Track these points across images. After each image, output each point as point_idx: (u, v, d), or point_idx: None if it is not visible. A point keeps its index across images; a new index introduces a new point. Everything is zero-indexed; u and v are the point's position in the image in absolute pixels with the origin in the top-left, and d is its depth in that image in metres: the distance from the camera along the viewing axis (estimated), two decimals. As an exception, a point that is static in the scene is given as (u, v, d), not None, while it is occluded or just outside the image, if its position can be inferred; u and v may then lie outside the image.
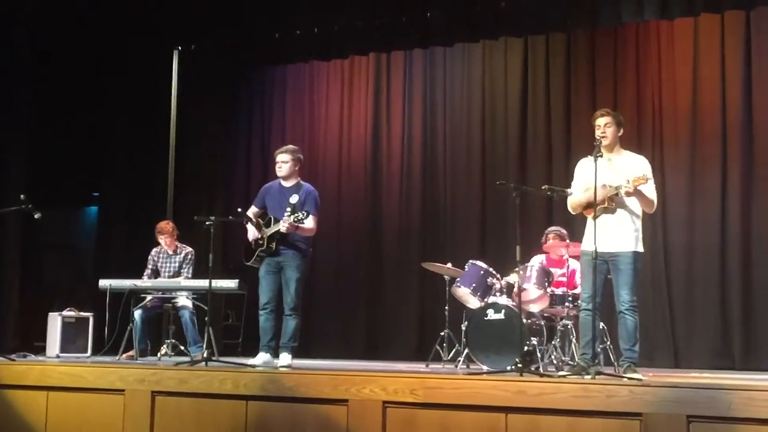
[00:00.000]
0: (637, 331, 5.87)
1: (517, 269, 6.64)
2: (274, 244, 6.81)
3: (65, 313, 8.66)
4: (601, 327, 6.77)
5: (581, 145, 8.28)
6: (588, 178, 5.86)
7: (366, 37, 9.98)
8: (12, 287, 9.78)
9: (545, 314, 7.28)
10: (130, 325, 8.06)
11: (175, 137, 10.30)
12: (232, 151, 11.21)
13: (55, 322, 8.58)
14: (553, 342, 7.14)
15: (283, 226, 6.67)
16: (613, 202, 5.85)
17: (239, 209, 7.07)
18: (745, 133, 8.70)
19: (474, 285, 7.30)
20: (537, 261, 7.47)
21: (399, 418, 5.22)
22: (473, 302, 7.34)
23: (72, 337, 8.59)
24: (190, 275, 8.36)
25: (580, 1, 8.84)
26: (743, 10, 8.67)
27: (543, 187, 6.33)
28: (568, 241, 7.31)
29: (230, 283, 7.92)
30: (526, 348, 6.50)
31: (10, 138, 9.85)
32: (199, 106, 10.89)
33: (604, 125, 5.95)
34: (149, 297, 8.24)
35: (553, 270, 7.28)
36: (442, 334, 7.90)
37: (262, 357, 6.77)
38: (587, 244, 5.98)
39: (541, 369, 6.47)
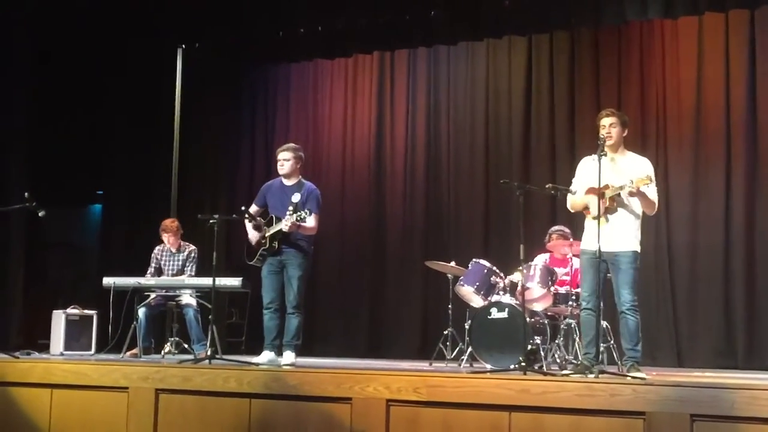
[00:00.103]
0: (639, 331, 5.86)
1: (520, 268, 6.62)
2: (276, 243, 6.81)
3: (69, 311, 8.67)
4: (604, 326, 6.76)
5: (585, 144, 8.27)
6: (590, 178, 5.85)
7: (370, 36, 9.98)
8: (16, 285, 9.81)
9: (548, 313, 7.28)
10: (134, 322, 8.06)
11: (178, 135, 10.31)
12: (236, 149, 11.22)
13: (59, 320, 8.60)
14: (556, 341, 7.14)
15: (285, 225, 6.68)
16: (614, 202, 5.85)
17: (243, 208, 7.07)
18: (749, 133, 8.69)
19: (477, 284, 7.30)
20: (540, 260, 7.47)
21: (402, 416, 5.22)
22: (477, 301, 7.34)
23: (76, 335, 8.60)
24: (193, 273, 8.36)
25: (584, -1, 8.85)
26: (748, 9, 8.66)
27: (547, 186, 6.32)
28: (571, 240, 7.32)
29: (234, 281, 7.92)
30: (529, 347, 6.50)
31: (11, 138, 9.87)
32: (202, 105, 10.90)
33: (609, 125, 5.94)
34: (153, 295, 8.25)
35: (556, 269, 7.28)
36: (446, 332, 7.90)
37: (266, 355, 6.78)
38: (586, 243, 5.98)
39: (544, 368, 6.47)
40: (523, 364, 5.61)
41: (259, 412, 5.60)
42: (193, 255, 8.49)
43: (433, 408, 5.15)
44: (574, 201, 6.10)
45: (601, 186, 5.71)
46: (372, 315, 10.27)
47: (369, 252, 10.42)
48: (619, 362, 6.57)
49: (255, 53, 10.62)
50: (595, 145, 5.83)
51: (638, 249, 5.90)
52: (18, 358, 6.92)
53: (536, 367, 6.10)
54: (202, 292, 8.20)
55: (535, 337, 6.92)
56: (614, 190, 5.77)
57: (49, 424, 6.16)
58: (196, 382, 5.80)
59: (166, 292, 8.26)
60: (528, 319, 6.71)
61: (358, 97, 10.80)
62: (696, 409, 4.54)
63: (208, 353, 6.63)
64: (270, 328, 6.88)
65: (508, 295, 7.20)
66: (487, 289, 7.28)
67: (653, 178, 5.86)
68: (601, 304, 6.01)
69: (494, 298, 7.17)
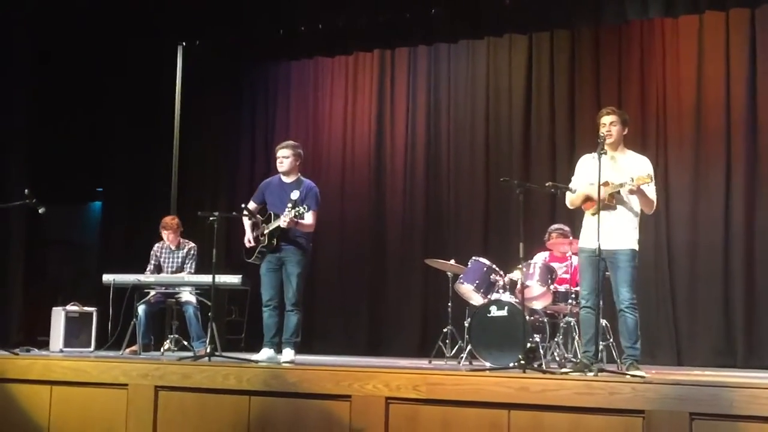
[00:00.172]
0: (638, 329, 5.86)
1: (520, 266, 6.63)
2: (275, 240, 6.82)
3: (69, 308, 8.68)
4: (603, 324, 6.77)
5: (585, 143, 8.26)
6: (590, 175, 5.85)
7: (370, 34, 9.98)
8: (16, 282, 9.82)
9: (548, 311, 7.29)
10: (134, 320, 8.07)
11: (178, 133, 10.31)
12: (236, 147, 11.22)
13: (58, 317, 8.60)
14: (555, 339, 7.15)
15: (283, 221, 6.68)
16: (613, 199, 5.85)
17: (243, 205, 7.08)
18: (750, 132, 8.69)
19: (477, 282, 7.31)
20: (540, 258, 7.48)
21: (402, 414, 5.22)
22: (476, 299, 7.35)
23: (75, 332, 8.61)
24: (193, 270, 8.37)
25: (584, -2, 8.86)
26: (748, 8, 8.66)
27: (547, 184, 6.32)
28: (571, 238, 7.32)
29: (233, 279, 7.93)
30: (528, 345, 6.51)
31: (11, 137, 9.87)
32: (202, 102, 10.90)
33: (609, 123, 5.93)
34: (152, 292, 8.25)
35: (556, 267, 7.28)
36: (445, 330, 7.91)
37: (266, 353, 6.79)
38: (585, 241, 5.97)
39: (543, 366, 6.48)
40: (522, 362, 5.60)
41: (258, 409, 5.60)
42: (192, 252, 8.49)
43: (433, 406, 5.15)
44: (572, 196, 6.09)
45: (601, 183, 5.71)
46: (371, 313, 10.28)
47: (369, 250, 10.42)
48: (618, 360, 6.58)
49: (255, 51, 10.62)
50: (595, 144, 5.83)
51: (636, 247, 5.90)
52: (18, 355, 6.91)
53: (535, 366, 6.11)
54: (201, 290, 8.20)
55: (535, 336, 6.93)
56: (614, 187, 5.77)
57: (48, 421, 6.16)
58: (195, 379, 5.80)
59: (165, 289, 8.27)
60: (527, 318, 6.71)
61: (359, 95, 10.80)
62: (695, 408, 4.54)
63: (208, 350, 6.63)
64: (269, 325, 6.89)
65: (507, 293, 7.20)
66: (486, 287, 7.28)
67: (653, 177, 5.86)
68: (601, 303, 6.01)
69: (494, 296, 7.18)
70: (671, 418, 4.57)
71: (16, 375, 6.33)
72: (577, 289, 6.85)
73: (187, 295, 8.28)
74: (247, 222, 7.02)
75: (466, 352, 7.26)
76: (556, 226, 7.65)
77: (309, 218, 6.82)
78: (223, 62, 10.80)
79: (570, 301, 7.05)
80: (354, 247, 10.48)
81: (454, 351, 7.74)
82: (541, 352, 6.89)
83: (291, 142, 7.15)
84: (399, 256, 10.27)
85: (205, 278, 7.77)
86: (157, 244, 8.56)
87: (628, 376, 5.22)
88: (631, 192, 5.77)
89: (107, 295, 8.06)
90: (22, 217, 9.65)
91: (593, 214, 5.82)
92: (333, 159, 10.79)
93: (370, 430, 5.25)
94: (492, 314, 6.96)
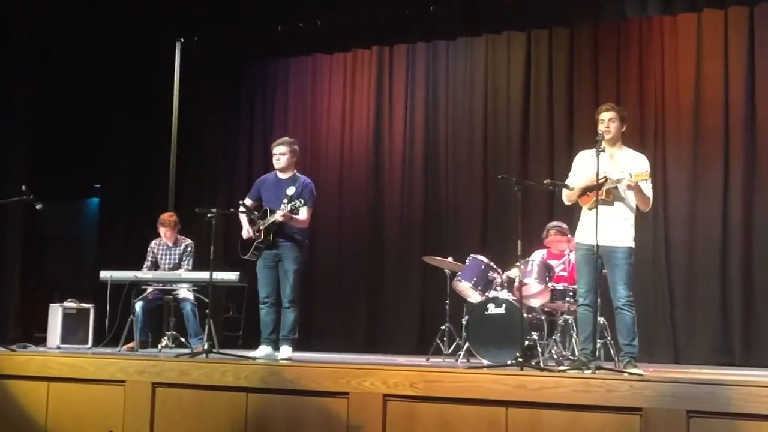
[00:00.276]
0: (635, 326, 5.86)
1: (518, 264, 6.64)
2: (271, 235, 6.82)
3: (66, 304, 8.66)
4: (601, 322, 6.77)
5: (583, 140, 8.25)
6: (588, 171, 5.85)
7: (369, 31, 9.97)
8: (13, 278, 9.81)
9: (546, 309, 7.29)
10: (131, 316, 8.06)
11: (177, 130, 10.30)
12: (234, 143, 11.20)
13: (56, 314, 8.59)
14: (553, 337, 7.15)
15: (279, 215, 6.68)
16: (611, 195, 5.84)
17: (241, 202, 7.08)
18: (748, 130, 8.68)
19: (475, 279, 7.31)
20: (538, 256, 7.48)
21: (399, 411, 5.23)
22: (474, 296, 7.34)
23: (73, 329, 8.59)
24: (190, 267, 8.36)
25: (583, -4, 8.85)
26: (747, 6, 8.64)
27: (545, 182, 6.32)
28: (569, 236, 7.31)
29: (231, 276, 7.91)
30: (526, 342, 6.51)
31: (11, 137, 9.85)
32: (201, 99, 10.88)
33: (608, 119, 5.92)
34: (150, 289, 8.25)
35: (554, 265, 7.28)
36: (443, 328, 7.90)
37: (263, 350, 6.79)
38: (581, 236, 5.95)
39: (541, 363, 6.48)
40: (520, 359, 5.60)
41: (255, 406, 5.61)
42: (189, 249, 8.49)
43: (430, 403, 5.16)
44: (569, 192, 6.08)
45: (599, 178, 5.71)
46: (369, 310, 10.27)
47: (367, 247, 10.41)
48: (616, 358, 6.58)
49: (254, 48, 10.60)
50: (593, 141, 5.83)
51: (633, 245, 5.89)
52: (15, 351, 6.92)
53: (533, 363, 6.10)
54: (199, 286, 8.20)
55: (532, 333, 6.93)
56: (612, 183, 5.77)
57: (45, 417, 6.17)
58: (192, 376, 5.81)
59: (163, 285, 8.26)
60: (525, 315, 6.71)
61: (357, 92, 10.78)
62: (693, 406, 4.55)
63: (205, 347, 6.62)
64: (267, 322, 6.89)
65: (505, 290, 7.20)
66: (484, 284, 7.28)
67: (650, 174, 5.85)
68: (599, 300, 6.01)
69: (491, 293, 7.17)
70: (669, 415, 4.57)
71: (13, 371, 6.33)
72: (575, 286, 6.86)
73: (185, 292, 8.28)
74: (244, 218, 7.02)
75: (464, 349, 7.25)
76: (554, 223, 7.65)
77: (304, 213, 6.82)
78: (221, 59, 10.78)
79: (568, 298, 7.05)
80: (352, 245, 10.48)
81: (451, 348, 7.74)
82: (539, 349, 6.89)
83: (287, 139, 7.15)
84: (397, 253, 10.26)
85: (203, 275, 7.77)
86: (154, 241, 8.55)
87: (625, 374, 5.22)
88: (629, 188, 5.76)
89: (105, 291, 8.05)
90: (19, 214, 9.63)
91: (590, 209, 5.82)
92: (331, 156, 10.78)
93: (367, 427, 5.25)
94: (490, 312, 6.96)
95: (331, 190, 10.49)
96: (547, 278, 7.08)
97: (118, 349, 7.90)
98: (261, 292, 6.94)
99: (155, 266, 8.43)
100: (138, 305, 8.12)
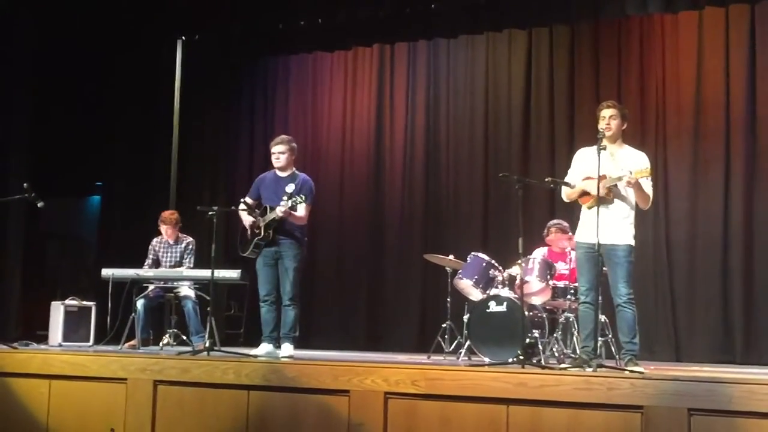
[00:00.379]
0: (636, 324, 5.86)
1: (519, 262, 6.64)
2: (271, 232, 6.82)
3: (68, 302, 8.67)
4: (602, 320, 6.76)
5: (584, 138, 8.22)
6: (588, 168, 5.85)
7: (370, 29, 9.99)
8: (15, 276, 9.82)
9: (547, 307, 7.28)
10: (133, 314, 8.07)
11: (177, 127, 10.30)
12: (235, 141, 11.20)
13: (57, 311, 8.59)
14: (554, 335, 7.14)
15: (280, 210, 6.67)
16: (611, 193, 5.84)
17: (242, 200, 7.08)
18: (749, 128, 8.68)
19: (476, 277, 7.30)
20: (539, 253, 7.47)
21: (400, 409, 5.23)
22: (475, 294, 7.34)
23: (74, 326, 8.59)
24: (191, 265, 8.37)
25: (584, -7, 8.86)
26: (748, 4, 8.65)
27: (546, 180, 6.31)
28: (570, 233, 7.30)
29: (232, 274, 7.92)
30: (527, 340, 6.51)
31: (12, 135, 9.85)
32: (202, 97, 10.89)
33: (609, 117, 5.92)
34: (151, 286, 8.26)
35: (555, 263, 7.28)
36: (444, 325, 7.90)
37: (265, 348, 6.79)
38: (582, 235, 5.95)
39: (542, 361, 6.48)
40: (521, 357, 5.60)
41: (257, 404, 5.61)
42: (190, 247, 8.50)
43: (431, 401, 5.16)
44: (569, 190, 6.08)
45: (599, 176, 5.70)
46: (370, 308, 10.27)
47: (368, 245, 10.41)
48: (617, 356, 6.58)
49: (255, 45, 10.62)
50: (594, 139, 5.82)
51: (633, 242, 5.89)
52: (16, 349, 6.92)
53: (534, 361, 6.10)
54: (200, 284, 8.21)
55: (534, 331, 6.92)
56: (612, 180, 5.76)
57: (47, 415, 6.18)
58: (194, 373, 5.81)
59: (164, 283, 8.27)
60: (526, 313, 6.71)
61: (358, 90, 10.78)
62: (694, 404, 4.55)
63: (207, 345, 6.63)
64: (267, 320, 6.89)
65: (506, 288, 7.20)
66: (485, 282, 7.28)
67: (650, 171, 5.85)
68: (600, 298, 6.01)
69: (493, 291, 7.17)
70: (670, 413, 4.57)
71: (14, 369, 6.34)
72: (576, 284, 6.86)
73: (186, 290, 8.29)
74: (244, 215, 7.01)
75: (465, 347, 7.25)
76: (555, 221, 7.64)
77: (302, 210, 6.82)
78: (222, 57, 10.79)
79: (569, 296, 7.04)
80: (353, 242, 10.48)
81: (452, 346, 7.74)
82: (540, 347, 6.88)
83: (285, 137, 7.15)
84: (398, 251, 10.26)
85: (204, 273, 7.78)
86: (155, 239, 8.56)
87: (626, 372, 5.23)
88: (629, 185, 5.75)
89: (106, 289, 8.06)
90: (21, 212, 9.65)
91: (589, 208, 5.82)
92: (332, 154, 10.78)
93: (368, 425, 5.26)
94: (491, 310, 6.95)
95: (332, 188, 10.49)
96: (548, 276, 7.07)
97: (119, 347, 7.91)
98: (261, 290, 6.94)
99: (156, 264, 8.44)
100: (139, 303, 8.13)
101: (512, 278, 7.27)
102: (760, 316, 8.42)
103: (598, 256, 5.71)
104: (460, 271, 7.48)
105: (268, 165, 7.11)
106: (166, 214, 8.56)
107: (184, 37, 10.44)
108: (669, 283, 8.85)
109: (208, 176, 11.03)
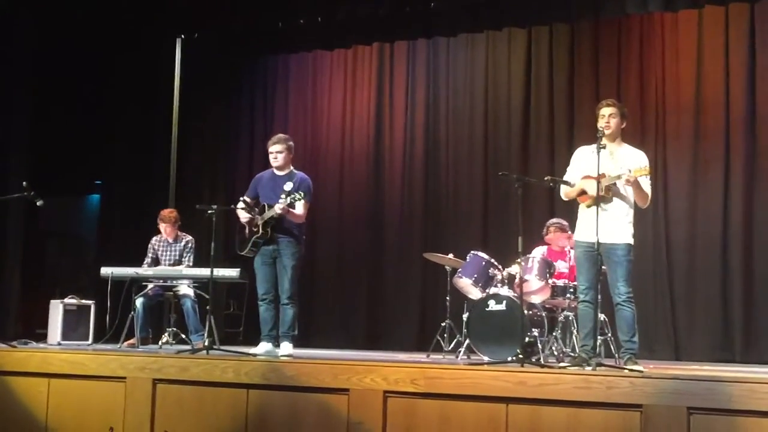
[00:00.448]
0: (636, 322, 5.86)
1: (518, 260, 6.63)
2: (269, 229, 6.81)
3: (67, 300, 8.67)
4: (601, 319, 6.76)
5: (583, 137, 8.22)
6: (587, 167, 5.85)
7: (369, 27, 9.99)
8: (14, 274, 9.82)
9: (546, 305, 7.28)
10: (132, 313, 8.07)
11: (177, 126, 10.30)
12: (235, 140, 11.20)
13: (56, 310, 8.58)
14: (554, 333, 7.14)
15: (278, 208, 6.66)
16: (609, 192, 5.84)
17: (241, 198, 7.08)
18: (749, 127, 8.68)
19: (475, 276, 7.30)
20: (539, 252, 7.47)
21: (400, 407, 5.23)
22: (474, 293, 7.34)
23: (73, 325, 8.59)
24: (191, 263, 8.37)
25: (583, -8, 8.86)
26: (748, 3, 8.65)
27: (545, 178, 6.30)
28: (569, 232, 7.30)
29: (232, 272, 7.92)
30: (527, 339, 6.51)
31: (12, 134, 9.85)
32: (201, 95, 10.89)
33: (608, 115, 5.92)
34: (151, 285, 8.25)
35: (554, 261, 7.27)
36: (444, 324, 7.90)
37: (264, 346, 6.78)
38: (581, 234, 5.95)
39: (541, 360, 6.47)
40: (520, 356, 5.61)
41: (256, 402, 5.61)
42: (189, 245, 8.49)
43: (431, 399, 5.16)
44: (568, 189, 6.07)
45: (599, 174, 5.70)
46: (370, 307, 10.27)
47: (367, 243, 10.41)
48: (616, 355, 6.58)
49: (254, 44, 10.62)
50: (593, 138, 5.82)
51: (632, 241, 5.89)
52: (15, 347, 6.92)
53: (533, 360, 6.10)
54: (200, 283, 8.21)
55: (533, 330, 6.92)
56: (611, 179, 5.76)
57: (46, 413, 6.17)
58: (193, 372, 5.81)
59: (163, 282, 8.27)
60: (526, 312, 6.71)
61: (358, 89, 10.78)
62: (693, 402, 4.55)
63: (206, 344, 6.63)
64: (266, 319, 6.88)
65: (506, 287, 7.20)
66: (485, 281, 7.28)
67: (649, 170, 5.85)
68: (599, 297, 6.01)
69: (492, 290, 7.17)
70: (669, 412, 4.57)
71: (13, 367, 6.34)
72: (575, 283, 6.86)
73: (186, 288, 8.28)
74: (243, 214, 7.00)
75: (464, 346, 7.25)
76: (554, 220, 7.64)
77: (300, 208, 6.81)
78: (222, 55, 10.79)
79: (568, 295, 7.04)
80: (352, 241, 10.48)
81: (452, 345, 7.74)
82: (540, 346, 6.88)
83: (282, 136, 7.13)
84: (397, 249, 10.26)
85: (204, 271, 7.78)
86: (154, 237, 8.56)
87: (626, 371, 5.22)
88: (628, 183, 5.74)
89: (105, 287, 8.06)
90: (20, 210, 9.64)
91: (588, 207, 5.82)
92: (332, 152, 10.77)
93: (367, 423, 5.26)
94: (490, 308, 6.95)
95: (332, 187, 10.49)
96: (548, 275, 7.07)
97: (118, 346, 7.91)
98: (259, 289, 6.92)
99: (156, 263, 8.43)
100: (138, 302, 8.12)
101: (512, 277, 7.27)
102: (759, 315, 8.42)
103: (597, 254, 5.71)
104: (460, 269, 7.48)
105: (268, 164, 7.11)
106: (166, 212, 8.56)
107: (183, 36, 10.43)
108: (668, 282, 8.86)
109: (207, 175, 11.03)
